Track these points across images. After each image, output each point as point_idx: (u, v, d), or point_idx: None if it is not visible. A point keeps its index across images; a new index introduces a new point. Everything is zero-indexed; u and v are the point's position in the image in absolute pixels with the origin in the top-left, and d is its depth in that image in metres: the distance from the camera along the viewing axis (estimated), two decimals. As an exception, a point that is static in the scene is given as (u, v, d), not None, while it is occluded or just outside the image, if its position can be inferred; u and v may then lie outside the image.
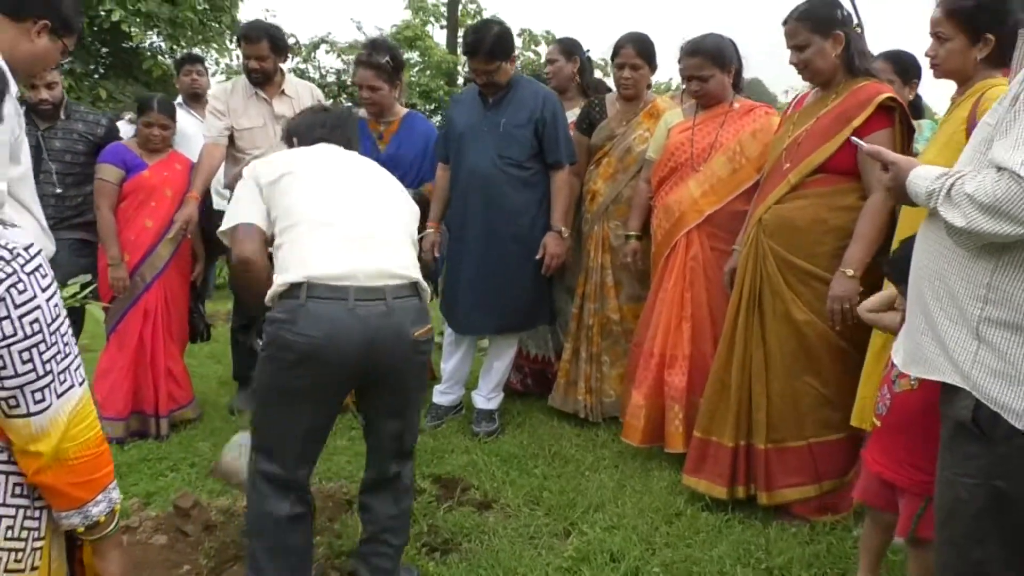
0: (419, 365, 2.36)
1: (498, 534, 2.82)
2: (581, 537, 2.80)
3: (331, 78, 17.54)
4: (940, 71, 2.48)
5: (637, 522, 2.91)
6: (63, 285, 1.81)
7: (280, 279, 2.16)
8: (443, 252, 3.92)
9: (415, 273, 2.31)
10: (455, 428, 3.87)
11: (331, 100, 11.17)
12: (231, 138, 4.07)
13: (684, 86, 3.63)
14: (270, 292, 2.18)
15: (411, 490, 2.57)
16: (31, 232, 1.34)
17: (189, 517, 2.92)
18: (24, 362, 1.25)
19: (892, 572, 2.58)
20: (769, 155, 3.14)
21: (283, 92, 4.14)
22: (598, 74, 5.05)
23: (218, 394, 4.50)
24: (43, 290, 1.28)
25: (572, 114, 4.09)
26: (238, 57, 16.49)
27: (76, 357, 1.34)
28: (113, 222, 3.71)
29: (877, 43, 3.24)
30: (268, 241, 2.31)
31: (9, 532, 1.31)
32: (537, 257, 3.71)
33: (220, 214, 2.54)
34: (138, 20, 12.54)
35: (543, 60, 4.61)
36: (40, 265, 1.28)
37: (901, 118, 2.83)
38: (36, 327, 1.26)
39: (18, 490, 1.32)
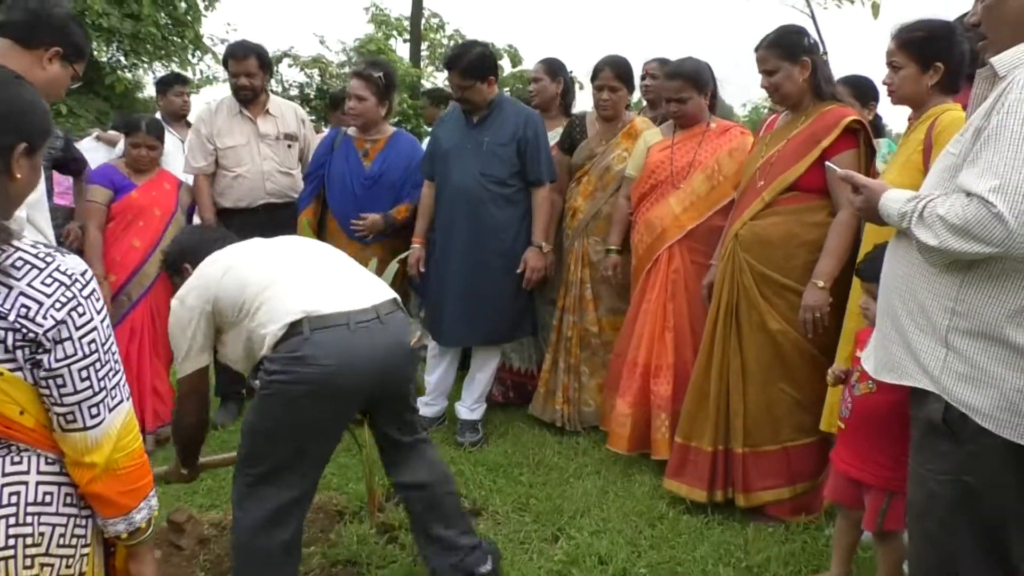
0: (414, 373, 2.48)
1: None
2: (569, 541, 2.91)
3: (294, 91, 17.56)
4: (896, 97, 2.70)
5: (622, 526, 3.04)
6: None
7: (277, 324, 2.15)
8: (428, 267, 4.02)
9: (392, 291, 2.43)
10: (439, 439, 3.95)
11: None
12: (216, 158, 4.15)
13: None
14: (267, 341, 2.15)
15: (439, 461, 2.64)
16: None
17: (183, 532, 2.94)
18: (82, 380, 1.34)
19: (863, 568, 2.73)
20: (743, 173, 3.30)
21: (267, 111, 4.22)
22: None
23: (200, 409, 4.52)
24: (98, 312, 1.37)
25: (555, 134, 4.22)
26: (201, 72, 16.47)
27: (122, 373, 1.43)
28: (100, 242, 3.75)
29: (837, 69, 3.50)
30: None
31: (61, 540, 1.39)
32: (518, 271, 3.82)
33: None
34: (99, 36, 12.46)
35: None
36: (95, 290, 1.38)
37: (865, 139, 3.02)
38: (93, 347, 1.35)
39: (69, 500, 1.40)
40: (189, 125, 4.96)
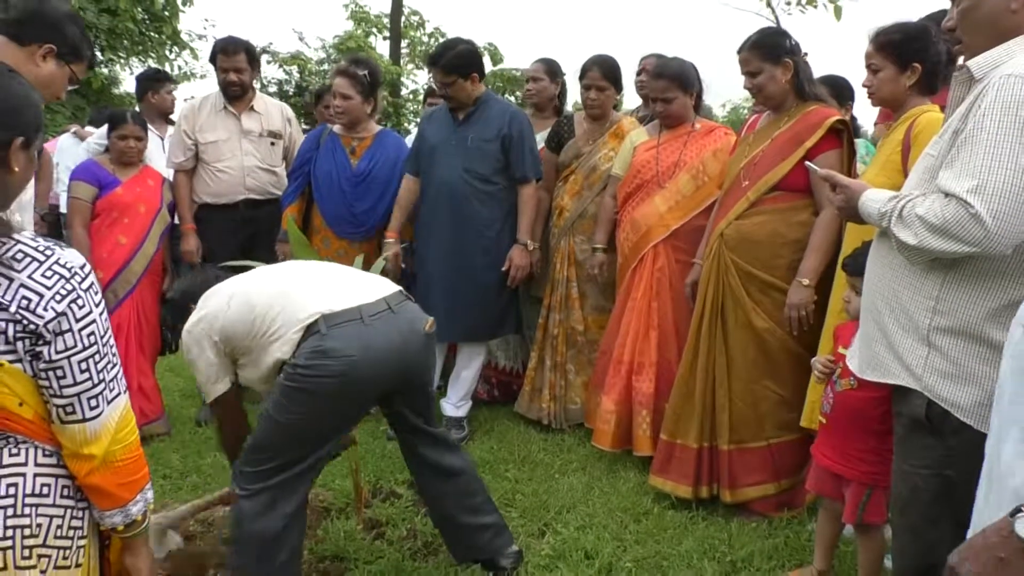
0: (434, 356, 2.55)
1: (477, 535, 2.93)
2: (556, 536, 2.93)
3: (273, 88, 17.45)
4: (876, 99, 2.76)
5: (607, 521, 3.07)
6: None
7: (293, 329, 2.21)
8: (408, 264, 4.03)
9: (396, 285, 2.48)
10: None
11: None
12: (196, 153, 4.15)
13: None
14: (287, 349, 2.21)
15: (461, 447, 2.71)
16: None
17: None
18: (82, 371, 1.35)
19: (844, 562, 2.78)
20: (727, 173, 3.34)
21: (252, 108, 4.21)
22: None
23: (182, 406, 4.51)
24: (96, 305, 1.38)
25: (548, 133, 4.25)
26: (179, 68, 16.32)
27: (120, 366, 1.44)
28: (87, 241, 3.73)
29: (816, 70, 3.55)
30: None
31: (58, 531, 1.39)
32: (503, 269, 3.84)
33: None
34: (76, 30, 12.29)
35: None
36: (94, 283, 1.38)
37: (848, 139, 3.07)
38: (92, 339, 1.36)
39: (66, 491, 1.41)
40: (172, 123, 4.94)
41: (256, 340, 2.27)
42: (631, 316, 3.61)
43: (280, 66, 18.21)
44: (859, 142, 4.10)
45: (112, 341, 1.42)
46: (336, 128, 4.11)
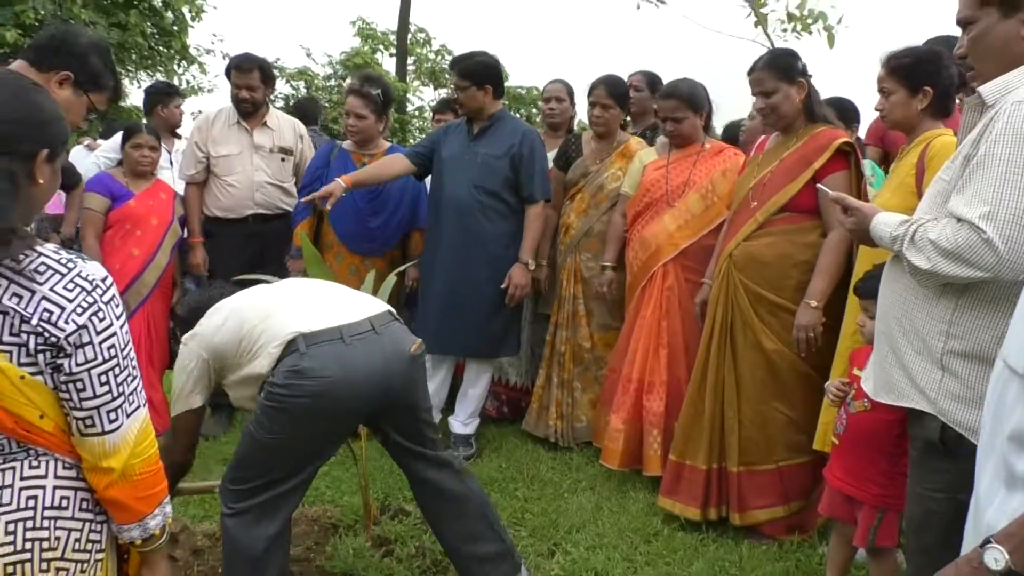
0: (421, 379, 2.50)
1: (486, 554, 2.92)
2: (566, 556, 2.92)
3: (279, 104, 17.57)
4: (889, 122, 2.77)
5: (617, 542, 3.05)
6: None
7: (272, 344, 2.20)
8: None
9: (386, 305, 2.48)
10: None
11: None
12: (208, 166, 4.18)
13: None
14: (266, 364, 2.20)
15: (468, 471, 2.64)
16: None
17: (177, 542, 2.94)
18: (102, 384, 1.35)
19: (856, 586, 2.77)
20: (735, 194, 3.35)
21: (265, 123, 4.25)
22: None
23: (189, 421, 4.50)
24: (117, 318, 1.38)
25: None
26: (187, 82, 16.44)
27: (139, 380, 1.44)
28: (99, 252, 3.75)
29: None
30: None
31: (77, 544, 1.39)
32: (502, 287, 3.83)
33: None
34: (86, 45, 12.40)
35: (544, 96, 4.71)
36: (115, 295, 1.39)
37: (855, 161, 3.08)
38: (112, 352, 1.36)
39: (85, 504, 1.41)
40: (179, 138, 4.95)
41: (242, 357, 2.27)
42: (640, 334, 3.61)
43: (287, 81, 18.35)
44: (866, 163, 4.12)
45: (132, 354, 1.43)
46: (346, 145, 4.14)
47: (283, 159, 4.31)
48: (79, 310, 1.32)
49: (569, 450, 4.02)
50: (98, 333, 1.34)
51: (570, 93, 4.47)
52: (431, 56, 21.13)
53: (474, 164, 3.83)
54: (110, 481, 1.38)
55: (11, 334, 1.28)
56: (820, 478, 3.07)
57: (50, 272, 1.32)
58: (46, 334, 1.30)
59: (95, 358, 1.34)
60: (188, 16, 14.86)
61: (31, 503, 1.34)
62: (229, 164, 4.18)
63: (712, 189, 3.57)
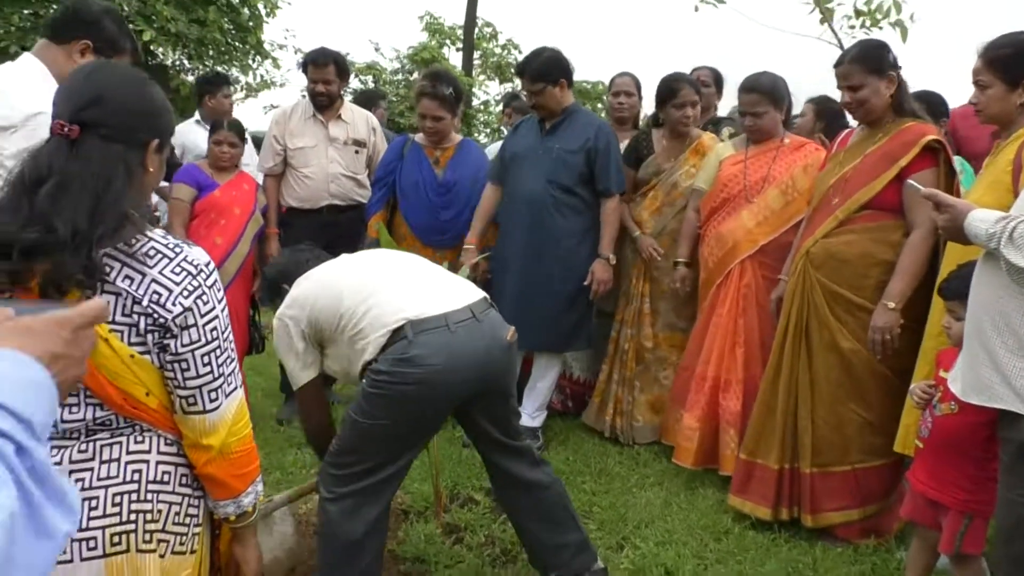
0: (516, 367, 2.52)
1: (555, 545, 2.93)
2: (635, 551, 2.92)
3: (348, 97, 17.85)
4: (984, 116, 2.64)
5: (687, 538, 3.03)
6: None
7: (379, 332, 2.22)
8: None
9: (482, 291, 2.48)
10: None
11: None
12: (285, 158, 4.29)
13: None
14: (371, 349, 2.22)
15: (545, 461, 2.66)
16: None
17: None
18: (204, 365, 1.40)
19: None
20: (815, 190, 3.28)
21: (340, 117, 4.33)
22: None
23: (263, 405, 4.62)
24: (219, 302, 1.44)
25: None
26: (261, 77, 16.84)
27: (237, 362, 1.49)
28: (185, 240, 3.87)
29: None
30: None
31: (176, 517, 1.45)
32: (585, 283, 3.83)
33: None
34: (166, 40, 12.78)
35: (612, 90, 4.71)
36: (217, 280, 1.44)
37: (945, 158, 2.97)
38: (215, 334, 1.41)
39: (184, 480, 1.47)
40: None
41: (342, 334, 2.29)
42: (716, 332, 3.57)
43: (356, 75, 18.61)
44: (956, 159, 3.99)
45: (231, 337, 1.48)
46: (418, 138, 4.18)
47: (357, 151, 4.39)
48: (185, 293, 1.38)
49: (636, 445, 4.00)
50: (202, 316, 1.40)
51: (638, 87, 4.45)
52: (497, 50, 21.20)
53: (548, 159, 3.83)
54: (209, 458, 1.44)
55: (123, 315, 1.34)
56: (898, 481, 3.02)
57: (159, 256, 1.38)
58: (155, 315, 1.35)
59: (199, 339, 1.40)
60: (263, 12, 15.20)
61: (136, 476, 1.40)
62: (305, 156, 4.28)
63: (792, 185, 3.51)
